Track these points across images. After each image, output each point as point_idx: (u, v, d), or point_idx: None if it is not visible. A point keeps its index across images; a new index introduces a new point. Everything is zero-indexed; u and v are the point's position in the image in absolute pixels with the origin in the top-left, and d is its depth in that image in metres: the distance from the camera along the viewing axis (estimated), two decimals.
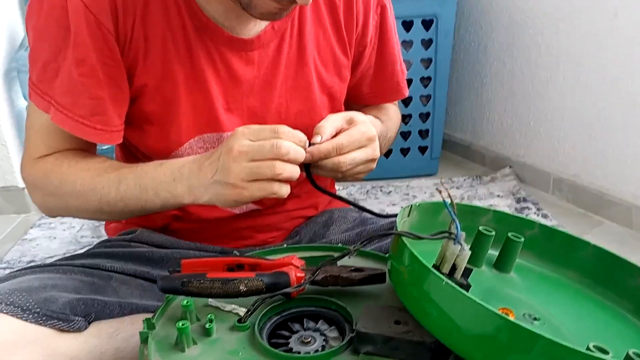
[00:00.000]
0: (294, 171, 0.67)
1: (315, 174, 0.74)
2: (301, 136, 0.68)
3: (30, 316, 0.62)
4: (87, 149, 0.81)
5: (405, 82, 0.99)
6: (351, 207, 1.00)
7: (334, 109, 0.89)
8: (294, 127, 0.82)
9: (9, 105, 1.86)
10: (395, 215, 0.86)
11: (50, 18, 0.71)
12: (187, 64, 0.76)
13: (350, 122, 0.74)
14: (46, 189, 0.79)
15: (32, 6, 0.73)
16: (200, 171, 0.70)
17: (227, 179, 0.66)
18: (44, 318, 0.63)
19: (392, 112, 1.00)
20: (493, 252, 0.67)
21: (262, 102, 0.82)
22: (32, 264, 1.29)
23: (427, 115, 2.11)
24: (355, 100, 0.97)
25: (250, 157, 0.65)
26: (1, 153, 1.83)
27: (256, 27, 0.78)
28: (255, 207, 0.88)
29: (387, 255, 0.69)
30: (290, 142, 0.66)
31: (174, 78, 0.76)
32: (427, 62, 2.04)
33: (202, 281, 0.56)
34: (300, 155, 0.67)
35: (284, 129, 0.66)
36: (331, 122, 0.72)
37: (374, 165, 0.75)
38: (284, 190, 0.67)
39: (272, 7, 0.68)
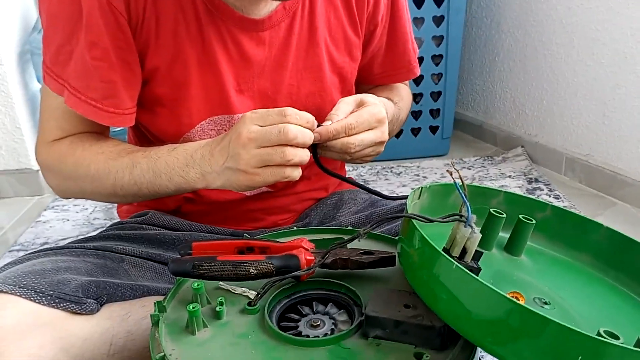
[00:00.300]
0: (304, 155, 0.67)
1: (323, 155, 0.73)
2: (308, 117, 0.68)
3: (44, 299, 0.63)
4: (100, 132, 0.82)
5: (417, 60, 0.98)
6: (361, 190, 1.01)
7: (344, 90, 0.88)
8: (305, 108, 0.82)
9: (22, 88, 1.87)
10: (405, 197, 0.86)
11: (63, 1, 0.71)
12: (198, 45, 0.76)
13: (361, 105, 0.74)
14: (61, 173, 0.80)
15: None
16: (212, 157, 0.70)
17: (238, 165, 0.66)
18: (56, 300, 0.64)
19: (404, 92, 0.99)
20: (504, 235, 0.66)
21: (273, 83, 0.81)
22: (46, 246, 1.31)
23: (439, 94, 2.09)
24: (367, 81, 0.96)
25: (259, 143, 0.65)
26: (15, 136, 1.85)
27: (267, 7, 0.77)
28: (267, 189, 0.88)
29: (397, 238, 0.69)
30: (298, 126, 0.65)
31: (185, 59, 0.76)
32: (438, 40, 2.01)
33: (212, 264, 0.56)
34: (309, 138, 0.67)
35: (291, 111, 0.66)
36: (343, 107, 0.73)
37: (382, 148, 0.75)
38: (296, 173, 0.67)
39: None
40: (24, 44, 1.86)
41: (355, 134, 0.71)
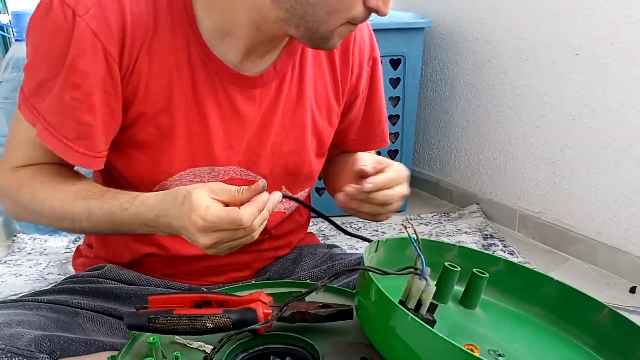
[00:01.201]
0: (262, 226, 0.69)
1: (356, 214, 0.79)
2: (259, 205, 0.66)
3: None
4: (66, 164, 0.80)
5: (388, 132, 1.02)
6: (320, 243, 1.02)
7: (319, 152, 0.91)
8: (285, 165, 0.85)
9: None
10: (364, 237, 0.88)
11: (54, 40, 0.70)
12: (189, 97, 0.77)
13: (380, 162, 0.79)
14: (18, 201, 0.79)
15: (36, 22, 0.73)
16: (171, 228, 0.70)
17: (201, 245, 0.67)
18: (8, 355, 0.61)
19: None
20: (458, 288, 0.68)
21: (259, 139, 0.83)
22: None
23: (396, 152, 2.15)
24: (340, 146, 0.98)
25: (223, 242, 0.66)
26: None
27: (260, 66, 0.80)
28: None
29: (354, 291, 0.69)
30: (257, 220, 0.66)
31: (174, 109, 0.76)
32: (395, 100, 2.09)
33: (169, 318, 0.55)
34: (267, 218, 0.69)
35: (245, 218, 0.64)
36: (368, 161, 0.78)
37: (400, 203, 0.80)
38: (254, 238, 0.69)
39: (347, 31, 0.73)
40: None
41: (393, 187, 0.76)
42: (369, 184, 0.73)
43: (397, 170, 0.78)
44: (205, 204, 0.64)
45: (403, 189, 0.78)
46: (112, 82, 0.72)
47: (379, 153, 1.01)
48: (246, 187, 0.66)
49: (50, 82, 0.72)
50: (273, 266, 0.95)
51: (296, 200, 0.84)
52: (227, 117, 0.79)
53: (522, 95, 1.90)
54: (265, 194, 0.67)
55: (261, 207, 0.66)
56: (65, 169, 0.80)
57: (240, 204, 0.65)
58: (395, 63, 2.03)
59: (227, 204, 0.66)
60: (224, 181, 0.81)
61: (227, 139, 0.80)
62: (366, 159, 0.79)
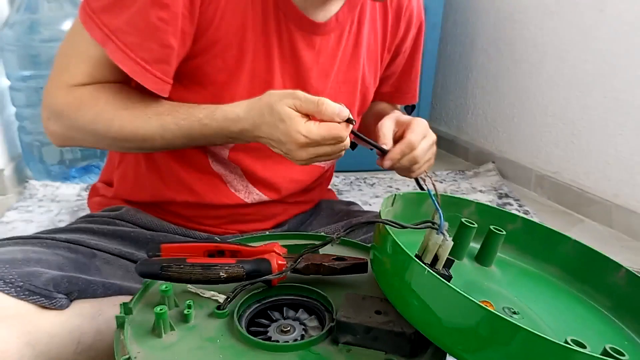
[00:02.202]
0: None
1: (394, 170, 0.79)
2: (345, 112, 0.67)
3: (13, 290, 0.61)
4: (126, 82, 0.76)
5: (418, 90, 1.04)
6: (339, 199, 1.02)
7: (361, 110, 0.93)
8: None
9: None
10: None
11: None
12: (258, 32, 0.76)
13: (400, 123, 0.79)
14: (76, 122, 0.74)
15: None
16: (259, 139, 0.70)
17: (296, 160, 0.68)
18: (26, 293, 0.62)
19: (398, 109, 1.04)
20: (474, 245, 0.67)
21: (316, 89, 0.83)
22: None
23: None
24: (375, 98, 0.99)
25: (318, 154, 0.67)
26: None
27: (324, 14, 0.79)
28: (267, 198, 0.87)
29: (369, 245, 0.68)
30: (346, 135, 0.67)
31: (244, 43, 0.75)
32: None
33: (182, 266, 0.55)
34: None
35: (345, 133, 0.66)
36: (387, 129, 0.78)
37: (435, 147, 0.82)
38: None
39: None
40: None
41: (417, 147, 0.76)
42: (387, 161, 0.75)
43: (415, 129, 0.77)
44: (300, 119, 0.65)
45: (428, 141, 0.78)
46: (191, 6, 0.70)
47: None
48: (326, 100, 0.66)
49: (128, 0, 0.68)
50: (291, 219, 0.95)
51: (364, 139, 0.79)
52: (287, 59, 0.79)
53: (544, 52, 1.85)
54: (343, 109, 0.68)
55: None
56: (129, 87, 0.76)
57: (321, 116, 0.65)
58: None
59: (308, 115, 0.66)
60: None
61: (283, 81, 0.80)
62: (386, 124, 0.78)
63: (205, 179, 0.83)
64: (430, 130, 0.80)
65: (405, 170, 0.78)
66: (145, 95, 0.74)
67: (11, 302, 0.61)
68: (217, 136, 0.72)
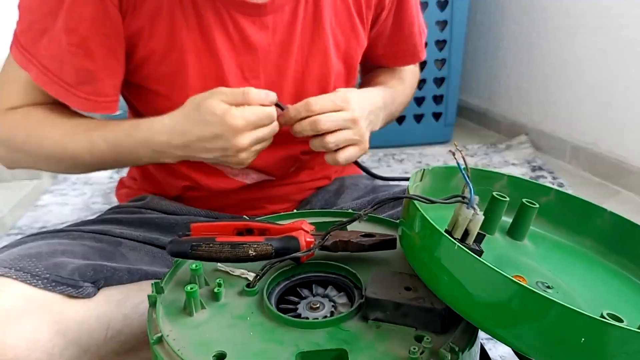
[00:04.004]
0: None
1: (312, 148, 0.75)
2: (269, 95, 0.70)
3: (40, 282, 0.62)
4: (61, 103, 0.77)
5: (424, 45, 0.96)
6: (363, 174, 1.00)
7: (349, 75, 0.87)
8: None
9: None
10: (406, 179, 0.86)
11: None
12: (195, 31, 0.74)
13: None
14: (11, 144, 0.77)
15: None
16: (187, 148, 0.70)
17: (237, 160, 0.69)
18: (53, 284, 0.63)
19: (407, 75, 0.98)
20: (506, 219, 0.65)
21: (278, 69, 0.80)
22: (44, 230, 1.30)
23: (442, 80, 2.07)
24: (370, 60, 0.95)
25: (257, 142, 0.69)
26: None
27: None
28: (268, 177, 0.87)
29: (397, 221, 0.68)
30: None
31: (182, 45, 0.74)
32: (442, 24, 1.99)
33: (211, 245, 0.55)
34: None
35: (274, 114, 0.70)
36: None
37: (360, 129, 0.75)
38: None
39: None
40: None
41: (320, 113, 0.72)
42: (280, 117, 0.72)
43: (324, 96, 0.73)
44: (231, 107, 0.66)
45: (341, 114, 0.73)
46: (111, 23, 0.70)
47: (422, 67, 0.97)
48: (251, 88, 0.68)
49: (41, 22, 0.70)
50: (315, 198, 0.94)
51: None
52: (239, 49, 0.76)
53: (578, 20, 1.78)
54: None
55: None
56: (60, 107, 0.77)
57: (249, 104, 0.67)
58: None
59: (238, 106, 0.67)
60: None
61: (241, 72, 0.78)
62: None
63: (198, 167, 0.83)
64: (353, 106, 0.74)
65: (320, 146, 0.74)
66: (76, 113, 0.76)
67: (39, 294, 0.62)
68: (143, 149, 0.71)
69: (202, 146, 0.69)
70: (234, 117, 0.66)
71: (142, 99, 0.80)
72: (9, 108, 0.76)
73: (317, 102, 0.72)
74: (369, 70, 0.99)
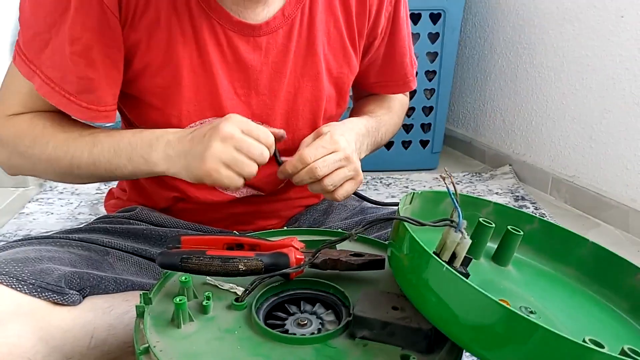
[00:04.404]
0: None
1: (311, 191, 0.77)
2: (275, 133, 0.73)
3: (25, 287, 0.62)
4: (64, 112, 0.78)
5: (414, 75, 0.98)
6: (352, 195, 1.01)
7: (340, 99, 0.89)
8: (301, 116, 0.83)
9: None
10: (395, 204, 0.87)
11: None
12: (192, 46, 0.75)
13: (317, 136, 0.77)
14: (15, 149, 0.78)
15: None
16: (179, 142, 0.71)
17: (205, 153, 0.67)
18: (38, 290, 0.63)
19: (395, 104, 0.99)
20: (491, 245, 0.67)
21: (270, 89, 0.81)
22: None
23: (430, 109, 2.11)
24: (362, 87, 0.97)
25: (237, 146, 0.68)
26: None
27: (265, 13, 0.77)
28: (257, 192, 0.88)
29: (387, 242, 0.69)
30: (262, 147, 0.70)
31: (178, 60, 0.75)
32: (432, 56, 2.04)
33: (201, 258, 0.56)
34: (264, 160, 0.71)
35: (263, 136, 0.70)
36: (303, 145, 0.77)
37: (354, 165, 0.77)
38: (240, 183, 0.70)
39: None
40: (16, 34, 1.85)
41: (315, 160, 0.73)
42: (279, 173, 0.75)
43: (314, 144, 0.74)
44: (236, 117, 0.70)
45: (334, 156, 0.74)
46: (112, 33, 0.71)
47: (412, 96, 0.97)
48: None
49: (45, 34, 0.71)
50: (303, 216, 0.95)
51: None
52: (232, 66, 0.78)
53: (563, 57, 1.83)
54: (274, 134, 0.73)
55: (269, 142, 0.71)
56: (66, 116, 0.78)
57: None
58: (434, 17, 1.97)
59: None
60: None
61: (234, 89, 0.79)
62: (305, 140, 0.78)
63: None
64: (343, 145, 0.75)
65: (320, 190, 0.75)
66: (73, 122, 0.78)
67: (24, 300, 0.62)
68: (142, 147, 0.72)
69: (184, 146, 0.70)
70: (229, 122, 0.68)
71: (136, 110, 0.81)
72: (12, 114, 0.77)
73: (309, 153, 0.73)
74: (360, 97, 1.01)
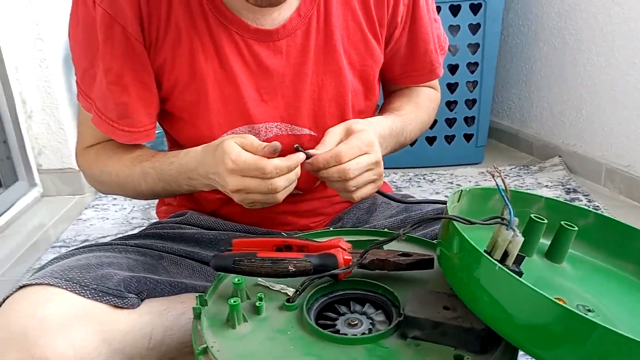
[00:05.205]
0: (291, 190, 0.71)
1: (329, 187, 0.75)
2: (290, 164, 0.68)
3: (88, 292, 0.65)
4: None
5: (441, 61, 0.96)
6: (393, 192, 1.00)
7: (368, 92, 0.88)
8: (328, 113, 0.83)
9: (66, 91, 1.93)
10: (436, 202, 0.86)
11: (85, 29, 0.76)
12: (214, 60, 0.77)
13: (349, 133, 0.75)
14: (92, 176, 0.89)
15: (72, 17, 0.78)
16: (208, 177, 0.73)
17: (232, 196, 0.71)
18: (100, 294, 0.65)
19: (424, 100, 0.97)
20: (544, 242, 0.65)
21: (294, 91, 0.82)
22: (86, 243, 1.34)
23: (474, 101, 2.07)
24: (390, 81, 0.96)
25: (248, 191, 0.69)
26: (59, 137, 1.90)
27: (281, 17, 0.78)
28: (296, 191, 0.88)
29: (434, 241, 0.68)
30: (282, 178, 0.68)
31: (202, 74, 0.78)
32: (474, 47, 2.00)
33: (252, 260, 0.57)
34: (294, 182, 0.70)
35: (270, 168, 0.67)
36: (329, 138, 0.74)
37: (381, 169, 0.75)
38: (279, 199, 0.70)
39: None
40: (67, 47, 1.92)
41: (348, 160, 0.71)
42: (307, 164, 0.71)
43: (350, 142, 0.72)
44: (236, 149, 0.68)
45: (366, 158, 0.72)
46: (139, 59, 0.76)
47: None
48: (268, 144, 0.68)
49: (91, 70, 0.78)
50: (347, 215, 0.95)
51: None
52: (255, 73, 0.79)
53: (613, 41, 1.77)
54: (300, 155, 0.70)
55: (291, 167, 0.68)
56: (123, 145, 0.86)
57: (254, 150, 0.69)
58: (475, 8, 1.94)
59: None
60: (269, 139, 0.82)
61: (259, 96, 0.80)
62: (333, 130, 0.75)
63: None
64: (376, 148, 0.74)
65: (341, 188, 0.73)
66: (137, 146, 0.85)
67: (87, 304, 0.64)
68: (181, 176, 0.77)
69: (213, 178, 0.72)
70: (228, 157, 0.68)
71: (172, 126, 0.86)
72: (87, 147, 0.88)
73: (346, 154, 0.71)
74: (389, 94, 1.00)
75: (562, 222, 0.64)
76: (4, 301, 0.65)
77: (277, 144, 0.68)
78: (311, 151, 0.72)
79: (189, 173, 0.76)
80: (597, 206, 1.67)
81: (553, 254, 0.65)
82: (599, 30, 1.81)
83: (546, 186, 1.84)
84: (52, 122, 1.88)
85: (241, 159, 0.67)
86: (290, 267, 0.57)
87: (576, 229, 0.64)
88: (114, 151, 0.84)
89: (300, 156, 0.70)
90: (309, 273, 0.58)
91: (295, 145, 0.72)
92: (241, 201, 0.70)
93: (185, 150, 0.77)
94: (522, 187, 1.85)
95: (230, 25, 0.77)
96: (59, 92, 1.86)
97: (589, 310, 0.54)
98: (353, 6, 0.83)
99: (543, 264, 0.64)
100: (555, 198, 0.70)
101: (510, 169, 2.00)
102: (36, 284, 0.64)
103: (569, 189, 1.81)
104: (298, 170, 0.70)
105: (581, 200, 1.72)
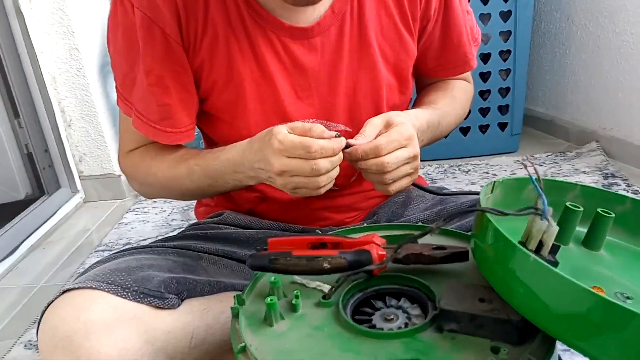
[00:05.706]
0: (333, 177, 0.71)
1: (365, 178, 0.75)
2: (335, 145, 0.68)
3: (129, 294, 0.67)
4: None
5: (474, 53, 0.96)
6: (429, 186, 1.00)
7: (402, 86, 0.89)
8: (363, 109, 0.84)
9: (104, 98, 1.98)
10: (471, 192, 0.85)
11: (125, 33, 0.78)
12: (250, 59, 0.79)
13: (389, 125, 0.74)
14: (137, 180, 0.90)
15: (110, 22, 0.81)
16: (253, 169, 0.74)
17: (276, 184, 0.72)
18: (141, 296, 0.67)
19: (460, 93, 0.97)
20: (580, 230, 0.64)
21: (330, 87, 0.83)
22: (128, 246, 1.38)
23: (507, 90, 2.04)
24: (423, 74, 0.96)
25: (292, 173, 0.69)
26: (99, 143, 1.96)
27: (315, 14, 0.79)
28: (333, 187, 0.89)
29: (468, 233, 0.68)
30: (326, 160, 0.68)
31: (239, 74, 0.79)
32: (506, 35, 1.97)
33: (288, 258, 0.58)
34: (336, 167, 0.70)
35: (315, 146, 0.67)
36: (369, 129, 0.74)
37: (418, 162, 0.75)
38: (321, 192, 0.71)
39: None
40: (104, 56, 1.98)
41: (387, 154, 0.71)
42: (346, 154, 0.71)
43: (390, 135, 0.72)
44: (284, 131, 0.68)
45: (404, 152, 0.72)
46: (179, 60, 0.78)
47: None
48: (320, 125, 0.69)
49: (131, 74, 0.79)
50: (381, 209, 0.95)
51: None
52: (291, 71, 0.80)
53: None
54: (342, 140, 0.69)
55: (336, 150, 0.68)
56: (166, 145, 0.87)
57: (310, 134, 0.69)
58: None
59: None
60: None
61: (295, 93, 0.81)
62: (373, 121, 0.75)
63: None
64: (415, 142, 0.74)
65: (378, 180, 0.74)
66: (180, 145, 0.86)
67: (129, 306, 0.66)
68: (228, 170, 0.78)
69: (257, 167, 0.73)
70: (275, 138, 0.68)
71: (210, 126, 0.87)
72: (129, 151, 0.90)
73: (386, 147, 0.71)
74: (422, 87, 1.00)
75: (599, 209, 0.63)
76: (48, 306, 0.67)
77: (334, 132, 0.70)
78: (351, 141, 0.72)
79: (234, 167, 0.77)
80: (637, 190, 1.63)
81: (590, 241, 0.64)
82: (634, 11, 1.76)
83: (583, 172, 1.80)
84: (91, 130, 1.93)
85: (288, 138, 0.68)
86: (325, 265, 0.58)
87: (613, 215, 0.63)
88: (157, 152, 0.86)
89: (343, 141, 0.70)
90: (344, 270, 0.59)
91: (336, 133, 0.71)
92: (284, 185, 0.70)
93: (231, 145, 0.79)
94: (559, 174, 1.81)
95: (265, 24, 0.78)
96: (96, 99, 1.92)
97: (628, 298, 0.54)
98: (386, 1, 0.83)
99: (580, 252, 0.63)
100: (591, 185, 0.69)
101: (547, 156, 1.97)
102: (79, 287, 0.66)
103: (607, 174, 1.77)
104: (341, 155, 0.70)
105: (620, 185, 1.68)
